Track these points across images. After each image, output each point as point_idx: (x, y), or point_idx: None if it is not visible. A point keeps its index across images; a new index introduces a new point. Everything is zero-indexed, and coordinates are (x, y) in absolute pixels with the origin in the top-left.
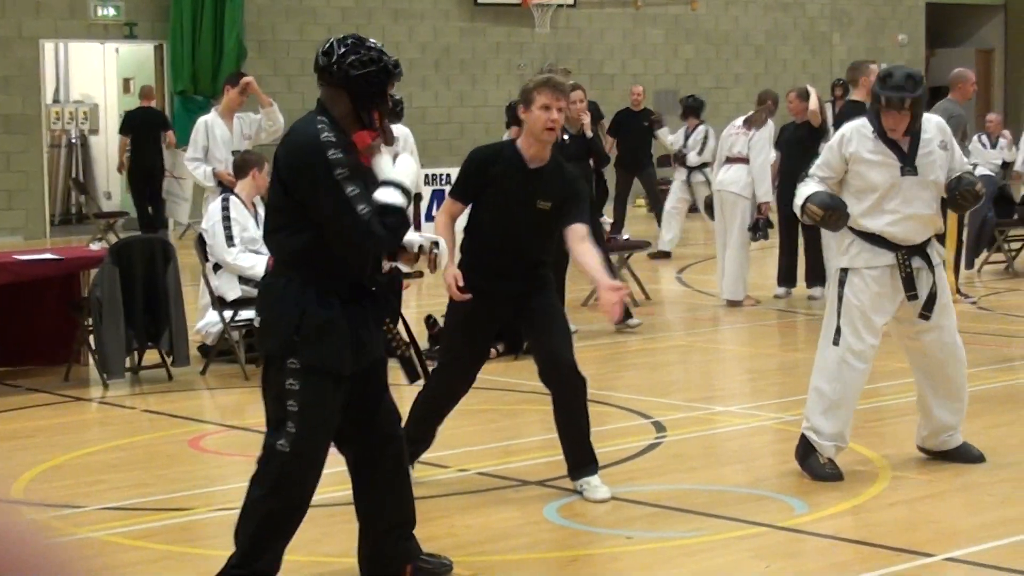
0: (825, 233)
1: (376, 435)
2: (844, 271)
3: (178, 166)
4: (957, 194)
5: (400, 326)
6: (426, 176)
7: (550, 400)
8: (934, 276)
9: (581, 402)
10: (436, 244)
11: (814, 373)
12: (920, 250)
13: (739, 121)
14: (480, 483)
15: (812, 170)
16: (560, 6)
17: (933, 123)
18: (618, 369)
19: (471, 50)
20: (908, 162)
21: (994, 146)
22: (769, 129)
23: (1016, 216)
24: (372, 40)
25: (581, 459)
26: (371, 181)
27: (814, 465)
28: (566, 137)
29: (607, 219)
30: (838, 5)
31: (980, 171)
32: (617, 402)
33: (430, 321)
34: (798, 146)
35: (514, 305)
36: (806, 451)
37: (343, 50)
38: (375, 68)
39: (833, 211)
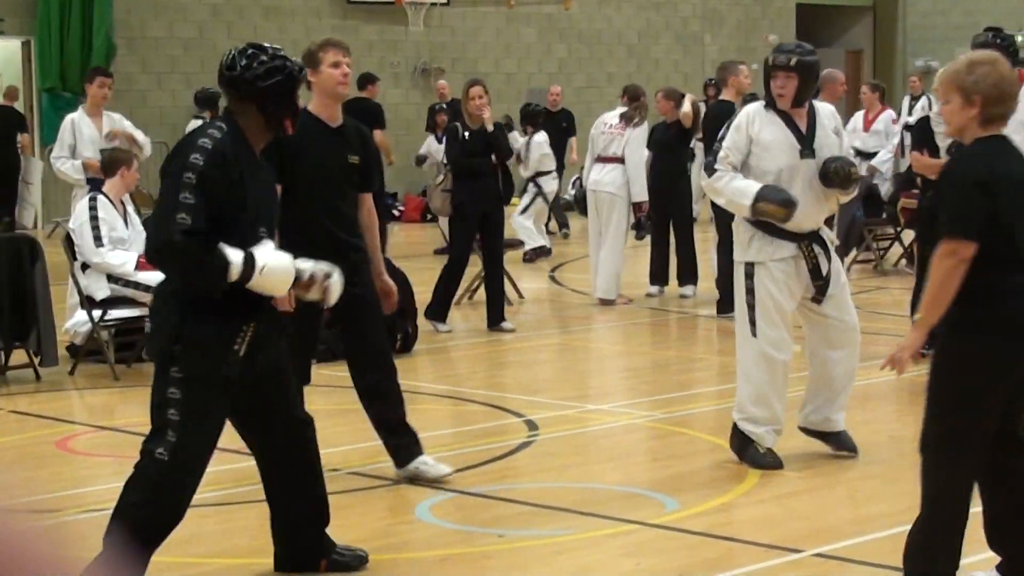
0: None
1: (283, 426)
2: (750, 265)
3: (30, 171)
4: (831, 169)
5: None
6: None
7: (422, 399)
8: (830, 260)
9: (398, 389)
10: (329, 275)
11: (739, 367)
12: (816, 236)
13: (611, 119)
14: (352, 483)
15: (720, 157)
16: (434, 4)
17: (827, 110)
18: (491, 367)
19: None
20: (807, 144)
21: None
22: (644, 128)
23: (884, 215)
24: (272, 46)
25: (406, 441)
26: (233, 210)
27: (754, 455)
28: (467, 134)
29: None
30: (709, 5)
31: None
32: (490, 400)
33: None
34: (668, 146)
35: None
36: (743, 443)
37: (245, 61)
38: (281, 77)
39: (792, 205)
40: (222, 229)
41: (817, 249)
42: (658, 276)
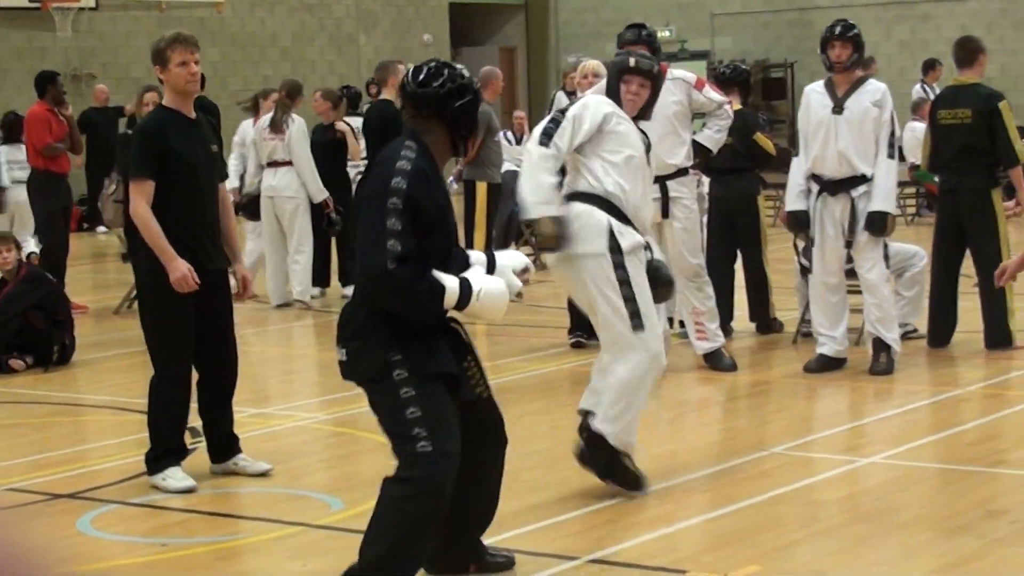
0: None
1: (490, 440)
2: (618, 254)
3: None
4: (662, 277)
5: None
6: None
7: (84, 411)
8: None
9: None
10: (527, 269)
11: (621, 373)
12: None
13: (267, 125)
14: (10, 499)
15: (555, 132)
16: (82, 9)
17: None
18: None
19: None
20: (647, 145)
21: (520, 142)
22: (298, 125)
23: None
24: (456, 64)
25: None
26: (437, 229)
27: (627, 474)
28: None
29: None
30: (363, 6)
31: (507, 167)
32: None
33: None
34: (326, 149)
35: (211, 282)
36: (613, 457)
37: (439, 78)
38: (472, 96)
39: (563, 241)
40: (429, 253)
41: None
42: (320, 277)
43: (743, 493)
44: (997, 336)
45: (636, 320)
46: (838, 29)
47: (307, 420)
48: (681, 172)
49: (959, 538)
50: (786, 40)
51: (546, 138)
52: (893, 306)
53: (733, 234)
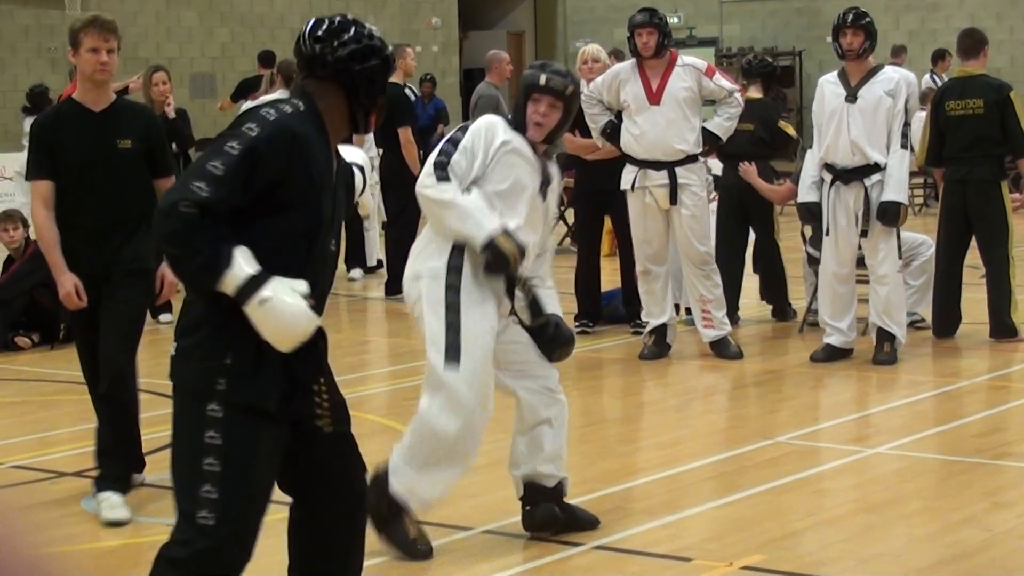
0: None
1: (334, 491)
2: (455, 272)
3: None
4: (555, 354)
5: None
6: None
7: (84, 390)
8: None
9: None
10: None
11: (423, 402)
12: None
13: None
14: (16, 476)
15: (454, 162)
16: None
17: None
18: (154, 356)
19: None
20: (544, 185)
21: None
22: None
23: None
24: (365, 22)
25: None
26: (302, 204)
27: (401, 535)
28: None
29: None
30: None
31: None
32: (153, 388)
33: None
34: None
35: (101, 283)
36: (392, 512)
37: (338, 35)
38: (378, 61)
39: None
40: (288, 232)
41: None
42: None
43: (749, 482)
44: (1002, 328)
45: (454, 354)
46: (850, 17)
47: None
48: (690, 159)
49: (965, 530)
50: (794, 28)
51: (441, 171)
52: (902, 297)
53: (745, 221)
